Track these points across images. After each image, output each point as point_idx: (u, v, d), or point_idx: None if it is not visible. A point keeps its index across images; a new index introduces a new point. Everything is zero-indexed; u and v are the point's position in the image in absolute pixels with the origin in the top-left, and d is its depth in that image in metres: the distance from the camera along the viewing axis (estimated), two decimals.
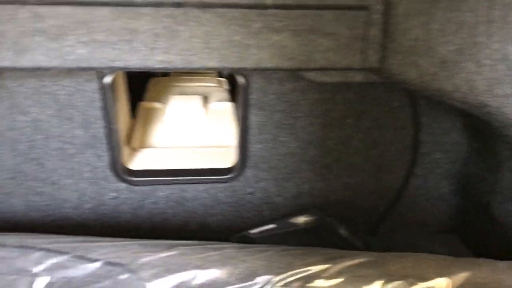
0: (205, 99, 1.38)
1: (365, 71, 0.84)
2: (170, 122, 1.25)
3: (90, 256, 0.78)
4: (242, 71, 0.91)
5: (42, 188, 0.99)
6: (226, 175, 1.04)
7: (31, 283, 0.78)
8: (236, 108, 1.01)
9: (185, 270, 0.74)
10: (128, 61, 0.78)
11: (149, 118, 1.28)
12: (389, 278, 0.67)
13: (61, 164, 0.98)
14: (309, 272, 0.70)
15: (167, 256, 0.77)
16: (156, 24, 0.76)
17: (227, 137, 1.20)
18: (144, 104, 1.35)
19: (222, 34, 0.77)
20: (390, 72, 0.80)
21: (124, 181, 1.01)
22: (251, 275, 0.71)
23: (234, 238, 1.02)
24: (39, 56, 0.76)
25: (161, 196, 1.04)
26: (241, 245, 0.79)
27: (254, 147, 0.99)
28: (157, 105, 1.35)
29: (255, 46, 0.78)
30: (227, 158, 1.09)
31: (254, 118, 0.96)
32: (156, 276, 0.75)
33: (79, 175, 0.99)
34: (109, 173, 1.00)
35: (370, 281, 0.68)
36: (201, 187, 1.04)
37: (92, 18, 0.75)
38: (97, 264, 0.77)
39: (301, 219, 1.01)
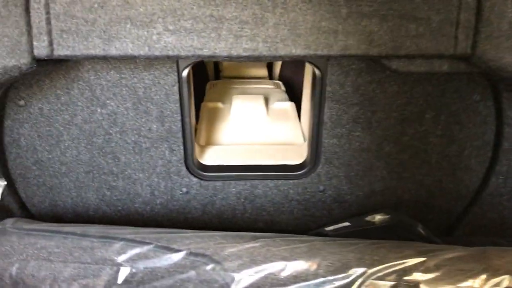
0: (266, 99, 1.37)
1: (453, 59, 0.80)
2: (235, 121, 1.25)
3: (173, 246, 0.77)
4: (319, 62, 0.89)
5: (116, 182, 1.00)
6: (297, 171, 1.02)
7: (116, 272, 0.78)
8: (310, 101, 0.99)
9: (272, 261, 0.73)
10: (215, 49, 0.78)
11: (213, 117, 1.28)
12: (493, 273, 0.64)
13: (135, 158, 0.98)
14: (405, 265, 0.67)
15: (252, 247, 0.75)
16: (243, 11, 0.76)
17: (291, 135, 1.19)
18: (207, 104, 1.35)
19: (309, 20, 0.76)
20: (483, 59, 0.76)
21: (196, 176, 1.01)
22: (343, 267, 0.69)
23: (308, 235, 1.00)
24: (127, 44, 0.77)
25: (231, 192, 1.02)
26: (327, 238, 0.77)
27: (328, 143, 0.97)
28: (219, 105, 1.35)
29: (343, 32, 0.77)
30: (294, 155, 1.07)
31: (329, 112, 0.94)
32: (242, 266, 0.73)
33: (152, 170, 0.99)
34: (182, 168, 0.99)
35: (473, 275, 0.64)
36: (271, 183, 1.02)
37: (180, 5, 0.75)
38: (181, 255, 0.76)
39: (377, 217, 0.97)
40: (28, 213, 1.01)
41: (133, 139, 0.96)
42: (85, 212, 1.02)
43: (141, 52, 0.78)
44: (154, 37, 0.77)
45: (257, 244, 0.76)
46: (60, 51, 0.77)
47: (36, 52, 0.77)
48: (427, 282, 0.64)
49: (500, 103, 0.94)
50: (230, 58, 0.79)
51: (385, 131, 0.97)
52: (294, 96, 1.49)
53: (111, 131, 0.95)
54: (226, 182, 1.02)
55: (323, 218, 1.05)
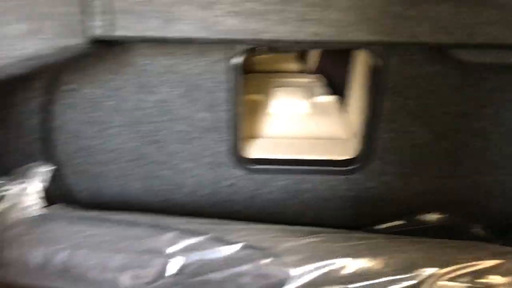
0: (308, 92, 1.34)
1: None
2: (278, 114, 1.22)
3: (228, 238, 0.75)
4: (380, 51, 0.85)
5: (161, 172, 0.98)
6: (346, 167, 0.98)
7: (164, 264, 0.76)
8: (364, 94, 0.95)
9: (333, 258, 0.69)
10: (278, 33, 0.74)
11: (254, 109, 1.25)
12: None
13: (182, 148, 0.96)
14: (478, 266, 0.63)
15: (312, 243, 0.72)
16: None
17: (336, 129, 1.15)
18: (247, 97, 1.32)
19: (379, 5, 0.72)
20: None
21: (243, 168, 0.98)
22: (410, 267, 0.65)
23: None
24: (187, 26, 0.74)
25: (277, 186, 0.99)
26: (391, 235, 0.73)
27: (382, 137, 0.93)
28: (260, 97, 1.32)
29: (414, 18, 0.73)
30: (341, 150, 1.03)
31: (386, 105, 0.90)
32: (301, 262, 0.70)
33: (198, 160, 0.97)
34: (228, 159, 0.97)
35: None
36: (318, 178, 0.99)
37: None
38: (236, 247, 0.73)
39: (431, 216, 0.93)
40: (73, 200, 0.99)
41: (181, 128, 0.94)
42: (129, 201, 1.00)
43: (200, 35, 0.75)
44: (215, 19, 0.74)
45: (317, 240, 0.73)
46: (117, 32, 0.74)
47: (91, 32, 0.74)
48: (505, 286, 0.60)
49: None
50: (293, 43, 0.76)
51: (443, 127, 0.93)
52: (335, 89, 1.45)
53: (159, 119, 0.93)
54: (272, 176, 0.99)
55: (372, 216, 1.01)
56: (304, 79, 1.59)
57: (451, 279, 0.63)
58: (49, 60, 0.73)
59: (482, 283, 0.62)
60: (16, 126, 0.93)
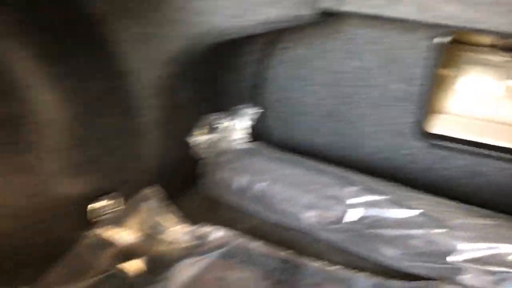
0: (503, 73, 1.30)
1: None
2: (467, 91, 1.22)
3: (406, 203, 0.84)
4: None
5: (348, 130, 1.09)
6: None
7: (344, 212, 0.89)
8: None
9: (504, 242, 0.75)
10: (494, 24, 0.77)
11: (443, 84, 1.26)
12: None
13: (371, 112, 1.05)
14: None
15: (485, 224, 0.78)
16: None
17: None
18: (438, 70, 1.33)
19: None
20: None
21: (423, 141, 1.04)
22: None
23: None
24: (407, 8, 0.81)
25: (454, 164, 1.04)
26: None
27: None
28: (450, 72, 1.33)
29: None
30: None
31: None
32: (470, 239, 0.77)
33: (383, 126, 1.05)
34: (411, 131, 1.04)
35: None
36: (497, 164, 1.01)
37: None
38: (413, 212, 0.82)
39: None
40: (269, 140, 1.17)
41: (374, 95, 1.03)
42: (315, 150, 1.14)
43: (417, 17, 0.81)
44: (434, 5, 0.79)
45: (489, 222, 0.78)
46: (344, 7, 0.84)
47: (320, 5, 0.85)
48: None
49: None
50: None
51: None
52: None
53: (356, 84, 1.03)
54: (450, 153, 1.03)
55: None
56: (501, 58, 1.52)
57: None
58: (281, 25, 0.88)
59: None
60: (237, 73, 1.12)
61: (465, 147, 1.03)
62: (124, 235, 0.81)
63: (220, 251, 0.84)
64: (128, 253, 0.79)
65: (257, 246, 0.85)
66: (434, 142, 1.04)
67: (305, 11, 0.85)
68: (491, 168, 1.02)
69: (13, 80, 0.71)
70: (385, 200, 0.86)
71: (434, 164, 1.06)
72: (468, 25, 0.79)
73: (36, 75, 0.73)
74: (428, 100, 1.00)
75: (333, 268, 0.82)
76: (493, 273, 0.74)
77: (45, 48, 0.72)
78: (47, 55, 0.73)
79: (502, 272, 0.74)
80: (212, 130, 1.06)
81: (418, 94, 0.99)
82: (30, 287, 0.69)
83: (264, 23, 0.85)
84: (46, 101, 0.74)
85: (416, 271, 0.82)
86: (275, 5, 0.82)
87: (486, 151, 1.02)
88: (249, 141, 1.10)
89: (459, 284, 0.76)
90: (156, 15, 0.83)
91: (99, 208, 0.83)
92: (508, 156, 1.00)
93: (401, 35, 0.94)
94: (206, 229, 0.88)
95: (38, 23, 0.71)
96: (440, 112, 1.17)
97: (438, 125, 1.10)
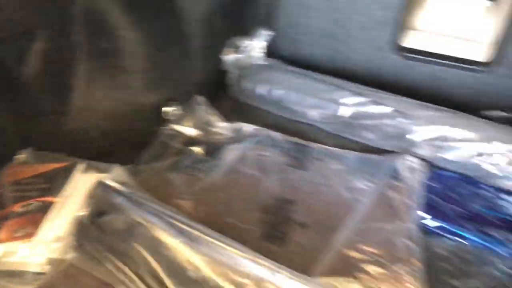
0: None
1: None
2: (434, 10, 1.52)
3: (382, 102, 1.20)
4: None
5: (341, 47, 1.41)
6: (480, 67, 1.31)
7: (337, 109, 1.24)
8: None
9: (448, 126, 1.11)
10: None
11: (415, 4, 1.56)
12: None
13: (358, 33, 1.37)
14: None
15: (438, 115, 1.14)
16: None
17: (481, 33, 1.44)
18: None
19: None
20: None
21: (399, 54, 1.37)
22: (487, 138, 1.06)
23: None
24: None
25: (422, 72, 1.38)
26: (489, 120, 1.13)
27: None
28: None
29: None
30: (480, 52, 1.35)
31: None
32: (425, 125, 1.14)
33: (367, 43, 1.38)
34: (390, 46, 1.36)
35: None
36: (455, 72, 1.35)
37: None
38: (388, 109, 1.18)
39: None
40: (280, 57, 1.49)
41: (360, 19, 1.34)
42: (315, 65, 1.47)
43: None
44: None
45: (442, 114, 1.15)
46: None
47: None
48: None
49: None
50: None
51: None
52: None
53: (348, 11, 1.34)
54: (419, 63, 1.37)
55: (489, 106, 1.36)
56: None
57: None
58: None
59: None
60: (255, 4, 1.41)
61: (429, 58, 1.37)
62: (187, 129, 1.17)
63: (252, 139, 1.20)
64: (192, 140, 1.16)
65: (277, 135, 1.22)
66: (407, 54, 1.38)
67: None
68: (449, 75, 1.36)
69: (109, 23, 1.02)
70: (368, 100, 1.21)
71: (405, 71, 1.40)
72: None
73: (123, 19, 1.03)
74: (402, 22, 1.31)
75: (330, 148, 1.20)
76: (438, 145, 1.12)
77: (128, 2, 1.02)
78: (130, 4, 1.03)
79: (445, 145, 1.12)
80: (238, 49, 1.38)
81: (395, 18, 1.31)
82: (134, 164, 1.06)
83: None
84: (131, 38, 1.05)
85: (388, 148, 1.19)
86: None
87: (445, 62, 1.36)
88: (265, 58, 1.42)
89: (416, 155, 1.14)
90: None
91: (169, 111, 1.18)
92: (462, 65, 1.34)
93: None
94: (240, 124, 1.24)
95: None
96: (413, 29, 1.49)
97: (411, 40, 1.42)
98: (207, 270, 0.74)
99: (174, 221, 0.81)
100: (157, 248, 0.78)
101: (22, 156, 0.97)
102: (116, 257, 0.78)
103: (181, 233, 0.79)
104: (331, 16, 1.37)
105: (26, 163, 0.96)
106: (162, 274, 0.75)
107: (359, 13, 1.33)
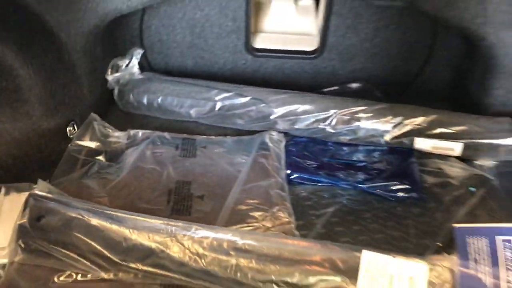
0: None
1: None
2: (273, 14, 1.89)
3: (245, 93, 1.51)
4: None
5: (204, 55, 1.71)
6: (311, 55, 1.71)
7: (214, 105, 1.53)
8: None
9: (296, 104, 1.47)
10: None
11: (258, 10, 1.92)
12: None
13: (217, 42, 1.68)
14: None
15: (287, 97, 1.49)
16: None
17: (309, 27, 1.84)
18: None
19: None
20: None
21: (251, 54, 1.71)
22: (326, 108, 1.43)
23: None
24: None
25: (271, 65, 1.73)
26: (329, 95, 1.51)
27: (330, 37, 1.65)
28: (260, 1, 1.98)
29: None
30: (310, 43, 1.74)
31: (334, 19, 1.60)
32: (279, 106, 1.48)
33: (226, 49, 1.69)
34: (243, 48, 1.69)
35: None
36: (295, 62, 1.73)
37: None
38: (248, 98, 1.50)
39: (353, 85, 1.70)
40: (152, 70, 1.74)
41: (216, 31, 1.65)
42: (185, 72, 1.75)
43: None
44: None
45: (290, 95, 1.50)
46: None
47: None
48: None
49: None
50: None
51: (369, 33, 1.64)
52: None
53: (204, 25, 1.63)
54: (267, 59, 1.72)
55: (325, 84, 1.76)
56: None
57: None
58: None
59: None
60: (126, 27, 1.64)
61: (274, 54, 1.72)
62: (89, 142, 1.37)
63: (145, 141, 1.44)
64: (95, 151, 1.36)
65: (166, 134, 1.47)
66: (257, 54, 1.72)
67: None
68: (292, 64, 1.73)
69: (6, 64, 1.19)
70: (233, 94, 1.52)
71: (259, 67, 1.74)
72: None
73: (17, 59, 1.21)
74: (249, 28, 1.65)
75: (211, 137, 1.49)
76: (291, 120, 1.47)
77: (19, 43, 1.20)
78: (21, 46, 1.21)
79: (295, 118, 1.47)
80: (118, 69, 1.60)
81: (244, 26, 1.64)
82: (51, 179, 1.24)
83: (144, 2, 1.40)
84: (26, 73, 1.23)
85: (256, 129, 1.51)
86: None
87: (286, 55, 1.72)
88: (142, 73, 1.67)
89: (277, 129, 1.48)
90: (75, 5, 1.32)
91: (71, 130, 1.37)
92: (298, 55, 1.72)
93: None
94: (133, 131, 1.47)
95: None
96: (259, 31, 1.84)
97: (258, 41, 1.77)
98: (135, 238, 0.98)
99: (100, 210, 1.03)
100: (93, 232, 0.99)
101: None
102: (61, 247, 0.98)
103: (108, 217, 1.01)
104: (191, 31, 1.65)
105: None
106: (102, 249, 0.97)
107: (214, 26, 1.64)
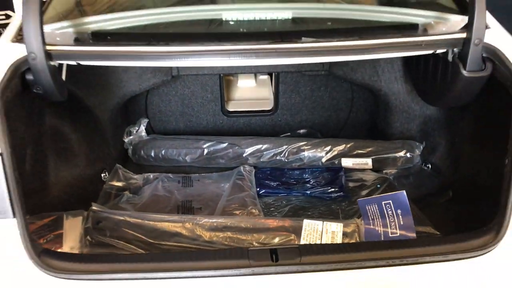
0: (255, 74, 2.69)
1: None
2: (241, 87, 2.58)
3: (223, 141, 2.15)
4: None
5: (192, 118, 2.37)
6: (269, 113, 2.38)
7: (202, 152, 2.17)
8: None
9: (261, 144, 2.11)
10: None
11: (229, 85, 2.61)
12: None
13: (201, 109, 2.34)
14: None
15: (253, 141, 2.13)
16: None
17: (267, 94, 2.53)
18: (226, 77, 2.68)
19: None
20: None
21: (226, 115, 2.37)
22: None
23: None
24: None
25: (241, 122, 2.39)
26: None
27: (281, 99, 2.33)
28: (232, 78, 2.68)
29: None
30: (268, 104, 2.42)
31: (281, 86, 2.29)
32: (248, 147, 2.11)
33: (207, 113, 2.35)
34: (220, 112, 2.35)
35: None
36: (259, 118, 2.39)
37: None
38: (226, 144, 2.14)
39: (301, 131, 2.36)
40: (154, 132, 2.38)
41: (200, 101, 2.32)
42: (178, 132, 2.39)
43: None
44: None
45: (254, 140, 2.14)
46: (182, 72, 2.11)
47: (174, 73, 2.10)
48: None
49: None
50: None
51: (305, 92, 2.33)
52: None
53: (191, 98, 2.30)
54: (238, 118, 2.39)
55: (281, 132, 2.42)
56: None
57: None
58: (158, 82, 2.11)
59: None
60: (136, 103, 2.30)
61: (243, 114, 2.39)
62: (117, 183, 1.97)
63: (156, 180, 2.04)
64: (122, 188, 1.96)
65: (170, 175, 2.08)
66: (231, 114, 2.38)
67: (166, 78, 2.10)
68: (256, 120, 2.39)
69: (64, 131, 1.82)
70: (216, 142, 2.15)
71: (233, 124, 2.40)
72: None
73: (71, 127, 1.83)
74: (224, 99, 2.32)
75: (203, 174, 2.10)
76: (257, 156, 2.10)
77: (70, 118, 1.83)
78: (72, 119, 1.84)
79: (260, 154, 2.10)
80: (131, 133, 2.24)
81: (219, 97, 2.31)
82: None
83: (150, 86, 2.08)
84: (76, 137, 1.85)
85: (234, 165, 2.13)
86: (156, 76, 2.05)
87: (252, 114, 2.39)
88: (148, 135, 2.30)
89: (248, 164, 2.10)
90: (104, 91, 1.97)
91: (103, 176, 1.97)
92: (260, 114, 2.39)
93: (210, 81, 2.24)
94: (146, 174, 2.08)
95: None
96: (231, 99, 2.51)
97: (231, 106, 2.43)
98: (160, 226, 1.56)
99: (137, 214, 1.62)
100: (134, 227, 1.57)
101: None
102: (115, 239, 1.55)
103: (143, 217, 1.60)
104: (182, 102, 2.32)
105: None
106: (141, 236, 1.55)
107: (198, 97, 2.31)
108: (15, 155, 1.32)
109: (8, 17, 3.83)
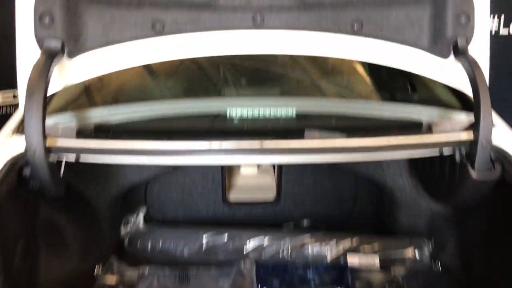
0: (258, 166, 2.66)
1: None
2: (243, 174, 2.54)
3: (223, 234, 2.07)
4: None
5: (192, 207, 2.30)
6: (271, 203, 2.32)
7: (201, 244, 2.08)
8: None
9: (262, 237, 2.03)
10: None
11: (231, 174, 2.56)
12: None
13: (201, 198, 2.29)
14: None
15: (252, 234, 2.05)
16: None
17: (269, 183, 2.48)
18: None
19: None
20: None
21: (227, 205, 2.31)
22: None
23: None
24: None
25: (243, 211, 2.33)
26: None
27: (284, 189, 2.28)
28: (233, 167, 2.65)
29: None
30: (271, 194, 2.37)
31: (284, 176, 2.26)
32: (249, 241, 2.03)
33: (208, 202, 2.30)
34: (222, 202, 2.30)
35: None
36: (260, 207, 2.33)
37: None
38: (225, 239, 2.06)
39: (305, 221, 2.29)
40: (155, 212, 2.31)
41: (200, 190, 2.27)
42: (177, 220, 2.31)
43: None
44: None
45: (253, 233, 2.06)
46: None
47: None
48: None
49: None
50: None
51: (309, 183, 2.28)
52: None
53: (192, 186, 2.26)
54: (240, 207, 2.33)
55: (282, 222, 2.34)
56: None
57: None
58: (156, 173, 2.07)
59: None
60: (136, 193, 2.25)
61: (243, 205, 2.33)
62: (110, 276, 1.87)
63: (151, 276, 1.94)
64: (118, 282, 1.86)
65: (167, 269, 1.99)
66: (231, 203, 2.32)
67: (168, 169, 2.07)
68: (257, 210, 2.33)
69: (58, 223, 1.75)
70: (216, 236, 2.08)
71: (234, 213, 2.33)
72: None
73: (65, 219, 1.76)
74: (225, 187, 2.27)
75: (200, 269, 2.00)
76: (258, 251, 2.01)
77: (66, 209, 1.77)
78: (68, 211, 1.78)
79: (261, 251, 2.02)
80: (128, 222, 2.17)
81: (220, 186, 2.26)
82: None
83: (151, 176, 2.04)
84: (72, 231, 1.78)
85: (233, 259, 2.04)
86: (158, 167, 2.02)
87: (251, 203, 2.33)
88: (146, 225, 2.23)
89: (249, 258, 2.01)
90: (104, 181, 1.94)
91: (96, 270, 1.88)
92: (261, 203, 2.33)
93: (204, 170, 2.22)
94: (142, 268, 1.98)
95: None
96: (233, 187, 2.46)
97: (231, 195, 2.38)
98: None
99: None
100: None
101: None
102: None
103: None
104: (182, 191, 2.28)
105: None
106: None
107: (199, 186, 2.27)
108: (4, 253, 1.25)
109: (15, 97, 3.89)
